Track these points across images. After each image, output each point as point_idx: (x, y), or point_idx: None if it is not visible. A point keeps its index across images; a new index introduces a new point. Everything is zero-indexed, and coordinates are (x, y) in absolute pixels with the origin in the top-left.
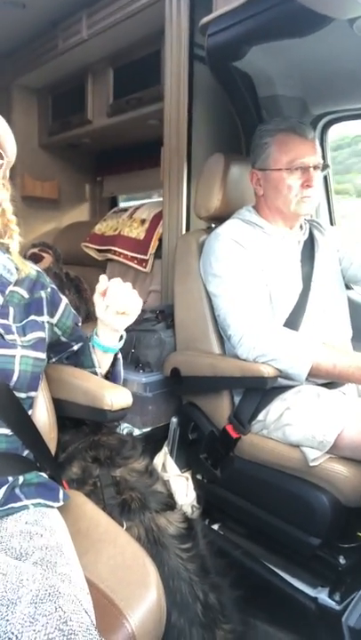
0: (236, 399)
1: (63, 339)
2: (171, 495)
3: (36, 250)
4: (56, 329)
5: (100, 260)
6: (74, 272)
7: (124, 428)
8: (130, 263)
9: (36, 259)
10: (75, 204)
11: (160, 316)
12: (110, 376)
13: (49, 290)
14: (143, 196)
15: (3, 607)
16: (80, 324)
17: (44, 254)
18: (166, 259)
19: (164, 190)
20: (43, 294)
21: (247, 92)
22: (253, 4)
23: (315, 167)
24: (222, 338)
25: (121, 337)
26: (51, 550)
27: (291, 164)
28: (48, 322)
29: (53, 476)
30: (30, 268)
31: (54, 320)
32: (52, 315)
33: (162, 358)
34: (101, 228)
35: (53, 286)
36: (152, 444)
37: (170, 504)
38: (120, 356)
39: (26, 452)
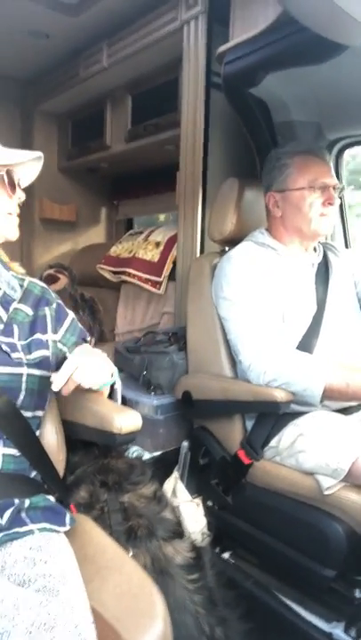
0: (249, 424)
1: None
2: (179, 523)
3: (51, 271)
4: (60, 345)
5: (115, 282)
6: (89, 293)
7: (134, 451)
8: (144, 285)
9: (52, 280)
10: (91, 226)
11: (173, 338)
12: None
13: (54, 306)
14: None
15: None
16: (89, 340)
17: (59, 275)
18: (180, 281)
19: (179, 214)
20: (47, 311)
21: (262, 118)
22: (269, 33)
23: (333, 187)
24: (234, 361)
25: (113, 392)
26: (54, 578)
27: (313, 183)
28: (52, 340)
29: (61, 499)
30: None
31: (58, 336)
32: (55, 331)
33: (174, 381)
34: (117, 250)
35: (59, 302)
36: (162, 468)
37: (178, 532)
38: (118, 385)
39: (33, 474)
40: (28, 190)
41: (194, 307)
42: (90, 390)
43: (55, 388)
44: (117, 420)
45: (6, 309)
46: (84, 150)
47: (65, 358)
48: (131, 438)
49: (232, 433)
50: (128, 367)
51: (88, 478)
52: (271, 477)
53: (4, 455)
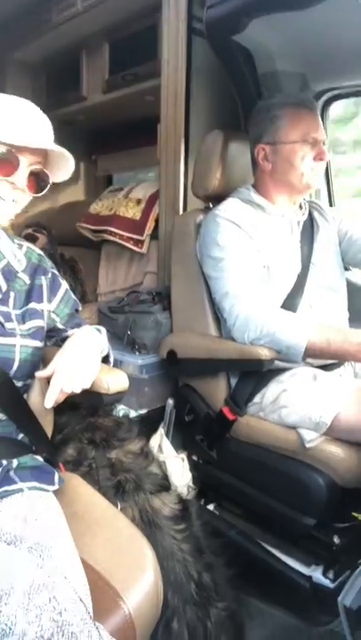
0: (233, 381)
1: (60, 325)
2: (165, 477)
3: (29, 230)
4: (53, 315)
5: (96, 241)
6: (69, 253)
7: (120, 409)
8: (125, 244)
9: (30, 239)
10: (69, 183)
11: (156, 297)
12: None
13: (50, 275)
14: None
15: None
16: (80, 310)
17: (38, 235)
18: (163, 239)
19: (161, 169)
20: (43, 280)
21: (247, 68)
22: None
23: (323, 142)
24: (219, 320)
25: (107, 358)
26: (46, 534)
27: (305, 137)
28: (47, 309)
29: (49, 460)
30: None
31: (52, 307)
32: (49, 301)
33: (158, 340)
34: (97, 207)
35: (55, 271)
36: (148, 425)
37: (164, 485)
38: (112, 359)
39: (21, 436)
40: None
41: (178, 266)
42: None
43: (49, 405)
44: (105, 379)
45: (7, 280)
46: (59, 102)
47: (56, 329)
48: (118, 398)
49: (216, 390)
50: (112, 327)
51: (76, 436)
52: (255, 432)
53: None
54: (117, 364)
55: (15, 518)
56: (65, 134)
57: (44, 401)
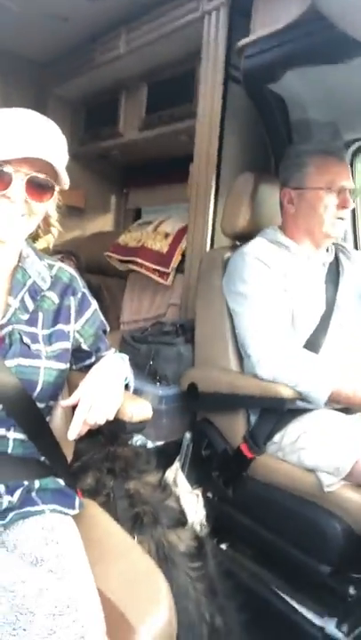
0: (253, 419)
1: (84, 347)
2: (182, 511)
3: (59, 256)
4: (77, 335)
5: (122, 271)
6: (95, 281)
7: (138, 439)
8: (151, 275)
9: None
10: (99, 213)
11: (180, 330)
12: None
13: (79, 295)
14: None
15: (22, 616)
16: (107, 331)
17: (66, 261)
18: (188, 273)
19: (191, 206)
20: (72, 301)
21: (279, 115)
22: (292, 29)
23: (350, 191)
24: (241, 356)
25: (127, 385)
26: (65, 558)
27: (330, 185)
28: (73, 329)
29: (69, 484)
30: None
31: (77, 327)
32: (76, 321)
33: (179, 372)
34: (125, 239)
35: (85, 291)
36: (164, 458)
37: (181, 520)
38: (131, 385)
39: (43, 458)
40: None
41: (203, 300)
42: None
43: (72, 437)
44: (128, 408)
45: (34, 299)
46: (96, 137)
47: (80, 349)
48: (141, 427)
49: (235, 426)
50: (134, 356)
51: (95, 465)
52: (272, 472)
53: (14, 440)
54: (137, 394)
55: (36, 539)
56: (99, 167)
57: (65, 426)
